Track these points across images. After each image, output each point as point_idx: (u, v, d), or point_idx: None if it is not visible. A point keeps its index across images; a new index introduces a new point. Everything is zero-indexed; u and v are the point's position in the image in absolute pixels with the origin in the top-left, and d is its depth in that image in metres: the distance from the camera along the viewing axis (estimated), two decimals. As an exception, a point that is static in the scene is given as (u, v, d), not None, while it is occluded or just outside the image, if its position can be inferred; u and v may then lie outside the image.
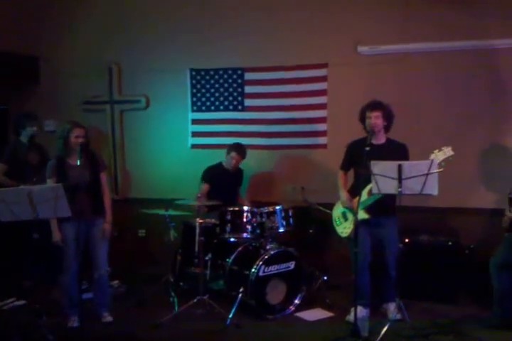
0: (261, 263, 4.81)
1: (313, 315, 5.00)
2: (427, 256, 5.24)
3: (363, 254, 4.65)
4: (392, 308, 4.68)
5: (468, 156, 5.47)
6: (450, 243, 5.28)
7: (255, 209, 5.09)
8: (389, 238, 4.73)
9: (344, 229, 4.84)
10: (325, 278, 5.58)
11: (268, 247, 5.01)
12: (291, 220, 5.25)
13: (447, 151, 4.20)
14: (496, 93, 5.49)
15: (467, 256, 5.36)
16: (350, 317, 4.59)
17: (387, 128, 4.75)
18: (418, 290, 5.12)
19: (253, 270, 4.79)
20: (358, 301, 4.53)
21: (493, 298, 4.58)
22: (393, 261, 4.70)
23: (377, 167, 4.20)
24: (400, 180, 4.17)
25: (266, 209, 5.12)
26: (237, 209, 5.06)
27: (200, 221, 4.88)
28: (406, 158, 4.61)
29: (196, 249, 4.91)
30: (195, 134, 6.51)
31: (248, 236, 5.04)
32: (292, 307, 5.03)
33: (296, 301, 5.05)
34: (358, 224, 4.51)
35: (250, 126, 6.29)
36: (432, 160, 4.08)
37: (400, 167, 4.14)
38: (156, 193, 6.43)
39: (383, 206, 4.53)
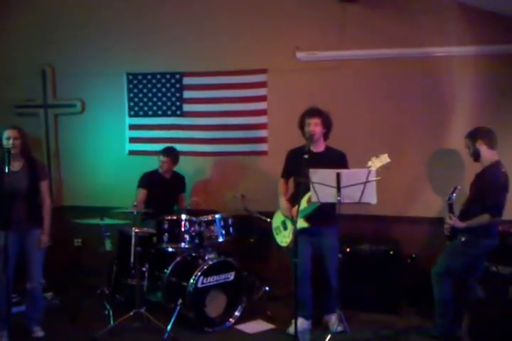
0: (199, 274, 4.74)
1: (254, 327, 4.96)
2: (368, 266, 5.23)
3: (303, 264, 4.62)
4: (333, 320, 4.68)
5: (408, 164, 5.55)
6: (391, 252, 5.28)
7: (193, 218, 5.01)
8: (329, 247, 4.69)
9: (284, 238, 4.81)
10: (266, 288, 5.53)
11: (207, 257, 4.93)
12: (231, 229, 5.18)
13: (383, 158, 4.20)
14: (434, 99, 5.59)
15: (409, 265, 5.43)
16: (292, 329, 4.54)
17: (326, 136, 4.75)
18: (360, 300, 5.09)
19: (191, 281, 4.71)
20: (299, 313, 4.50)
21: (435, 309, 4.59)
22: (334, 272, 4.66)
23: (316, 175, 4.20)
24: (338, 188, 4.18)
25: (205, 218, 5.05)
26: (174, 217, 4.96)
27: (136, 230, 4.76)
28: (345, 166, 4.60)
29: (132, 259, 4.77)
30: (132, 140, 6.39)
31: (186, 246, 4.95)
32: (232, 320, 4.97)
33: (236, 313, 4.99)
34: (298, 234, 4.45)
35: (189, 132, 6.22)
36: (370, 169, 4.08)
37: (338, 175, 4.14)
38: (92, 201, 6.31)
39: (323, 215, 4.51)
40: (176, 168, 5.79)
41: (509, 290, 4.67)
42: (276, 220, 4.90)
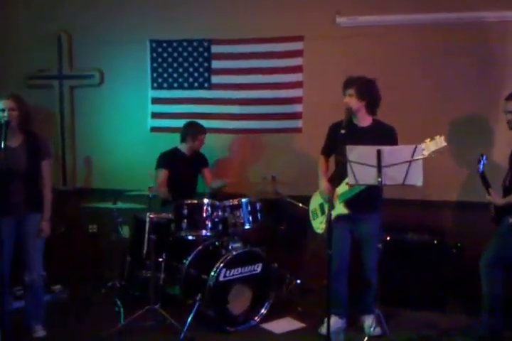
0: (222, 265, 4.38)
1: (282, 326, 4.60)
2: (410, 257, 4.92)
3: (339, 256, 4.28)
4: (370, 321, 4.30)
5: (457, 144, 5.02)
6: (435, 241, 4.94)
7: (217, 203, 4.64)
8: (369, 237, 4.31)
9: (321, 224, 4.43)
10: (298, 281, 5.16)
11: (231, 247, 4.57)
12: (259, 215, 4.80)
13: (439, 141, 3.75)
14: (489, 71, 5.13)
15: (454, 256, 5.00)
16: (324, 328, 4.19)
17: (371, 109, 4.30)
18: (400, 296, 4.80)
19: (212, 274, 4.35)
20: (332, 311, 4.20)
21: (482, 305, 4.19)
22: (374, 265, 4.30)
23: (353, 153, 3.78)
24: (379, 168, 3.72)
25: (229, 203, 4.69)
26: (195, 201, 4.59)
27: (152, 216, 4.41)
28: (395, 143, 4.16)
29: (145, 248, 4.44)
30: (155, 115, 6.05)
31: (208, 233, 4.59)
32: (258, 318, 4.61)
33: (263, 310, 4.63)
34: (336, 220, 4.14)
35: (217, 107, 5.84)
36: (416, 146, 3.63)
37: (379, 152, 3.69)
38: (111, 183, 6.02)
39: (366, 199, 4.10)
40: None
41: None
42: (314, 203, 4.52)
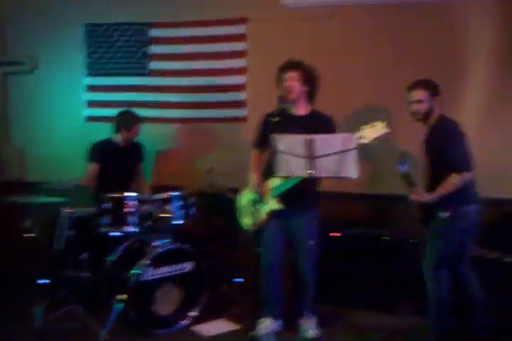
0: (146, 263, 4.11)
1: (214, 328, 4.33)
2: (359, 254, 4.69)
3: (272, 254, 4.05)
4: (307, 324, 4.08)
5: (407, 133, 4.73)
6: (386, 237, 4.71)
7: (144, 196, 4.35)
8: (305, 235, 4.01)
9: (249, 220, 4.13)
10: (238, 280, 4.89)
11: (157, 244, 4.25)
12: (192, 210, 4.53)
13: (379, 128, 3.51)
14: (444, 55, 4.85)
15: (409, 253, 4.73)
16: (257, 331, 4.00)
17: (310, 96, 4.04)
18: (347, 296, 4.61)
19: (134, 273, 4.04)
20: (266, 312, 4.06)
21: (428, 310, 3.93)
22: (310, 265, 4.04)
23: (282, 142, 3.50)
24: (310, 158, 3.44)
25: (158, 197, 4.38)
26: (118, 195, 4.28)
27: (70, 210, 4.11)
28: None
29: (61, 245, 4.16)
30: (91, 104, 5.76)
31: (133, 229, 4.28)
32: (188, 319, 4.33)
33: (194, 311, 4.35)
34: (268, 217, 3.96)
35: (157, 95, 5.56)
36: (350, 134, 3.35)
37: (310, 142, 3.40)
38: (45, 175, 5.61)
39: (303, 194, 3.84)
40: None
41: None
42: (244, 199, 4.22)
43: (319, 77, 4.03)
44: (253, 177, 4.11)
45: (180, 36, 5.41)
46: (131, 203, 4.26)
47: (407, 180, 3.73)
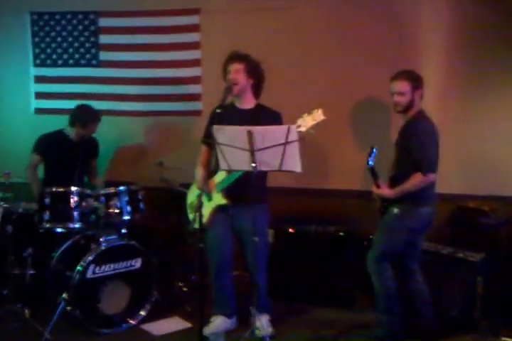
0: (89, 261, 3.99)
1: (165, 327, 4.25)
2: (315, 250, 4.66)
3: (220, 251, 3.99)
4: (260, 322, 3.99)
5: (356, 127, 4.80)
6: (342, 233, 4.66)
7: (88, 191, 4.22)
8: (254, 232, 3.78)
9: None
10: (193, 277, 4.74)
11: (103, 240, 4.14)
12: (141, 205, 4.44)
13: (316, 115, 3.45)
14: (396, 46, 4.79)
15: (367, 249, 4.56)
16: (208, 330, 3.96)
17: (255, 90, 3.97)
18: (304, 292, 4.61)
19: (78, 270, 3.93)
20: (218, 310, 4.03)
21: (376, 305, 3.94)
22: (260, 264, 3.97)
23: (222, 134, 3.39)
24: (252, 151, 3.34)
25: (103, 191, 4.25)
26: (60, 190, 4.17)
27: (8, 205, 4.02)
28: None
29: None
30: (39, 95, 5.59)
31: (76, 225, 4.18)
32: (137, 318, 4.24)
33: (143, 310, 4.27)
34: (215, 212, 3.92)
35: (107, 87, 5.41)
36: (289, 126, 3.26)
37: (250, 134, 3.30)
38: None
39: (250, 188, 3.62)
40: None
41: (477, 281, 4.06)
42: (192, 195, 4.13)
43: (264, 71, 3.96)
44: (198, 172, 4.02)
45: (131, 26, 5.26)
46: (73, 198, 4.11)
47: (372, 172, 3.74)
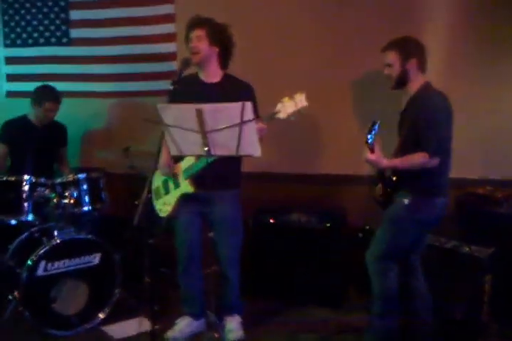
0: (39, 256, 3.63)
1: (127, 329, 3.87)
2: (301, 243, 4.22)
3: (187, 245, 3.64)
4: (230, 324, 3.68)
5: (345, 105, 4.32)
6: (328, 224, 4.20)
7: (42, 180, 3.86)
8: (225, 222, 3.59)
9: (164, 206, 3.67)
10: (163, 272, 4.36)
11: (56, 234, 3.78)
12: (102, 194, 4.08)
13: (298, 100, 2.95)
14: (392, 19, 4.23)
15: (361, 242, 4.16)
16: (172, 332, 3.66)
17: (222, 59, 3.51)
18: (286, 290, 4.21)
19: (27, 267, 3.58)
20: (185, 310, 3.71)
21: (372, 306, 3.46)
22: (233, 256, 3.64)
23: (169, 114, 2.97)
24: (203, 133, 2.91)
25: (60, 180, 3.89)
26: (10, 179, 3.83)
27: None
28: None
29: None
30: (11, 77, 5.28)
31: (29, 218, 3.83)
32: (97, 319, 3.89)
33: (104, 311, 3.92)
34: (182, 201, 3.52)
35: (79, 66, 5.06)
36: (243, 104, 2.81)
37: (199, 113, 2.87)
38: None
39: (220, 174, 3.32)
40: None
41: (485, 280, 3.57)
42: (158, 180, 3.74)
43: (232, 37, 3.49)
44: (162, 158, 3.59)
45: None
46: (24, 188, 3.74)
47: (371, 150, 3.17)
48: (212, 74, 3.50)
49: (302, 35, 4.44)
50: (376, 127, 3.14)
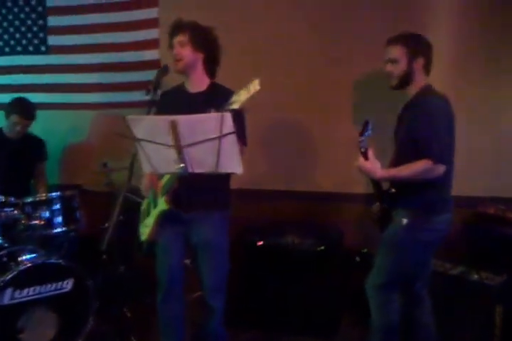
0: (6, 283, 3.34)
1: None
2: (293, 267, 3.88)
3: (167, 269, 3.27)
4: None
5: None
6: (322, 247, 3.86)
7: (11, 199, 3.60)
8: (209, 246, 3.23)
9: (144, 228, 3.32)
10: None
11: (25, 258, 3.46)
12: (77, 214, 3.82)
13: (252, 86, 2.57)
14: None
15: (359, 265, 3.96)
16: None
17: (208, 66, 3.21)
18: (277, 318, 3.86)
19: (-9, 295, 3.26)
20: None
21: (371, 337, 3.15)
22: (217, 284, 3.27)
23: (140, 126, 2.66)
24: (179, 148, 2.62)
25: (30, 199, 3.59)
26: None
27: None
28: (241, 119, 3.05)
29: None
30: (-11, 88, 4.96)
31: (-5, 240, 3.49)
32: (68, 350, 3.52)
33: (77, 341, 3.54)
34: (162, 220, 3.17)
35: (58, 76, 4.78)
36: (222, 115, 2.50)
37: (174, 125, 2.56)
38: None
39: (204, 191, 3.06)
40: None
41: (495, 311, 3.24)
42: (145, 201, 3.41)
43: (217, 41, 3.20)
44: (145, 177, 3.26)
45: (81, 4, 4.64)
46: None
47: (364, 156, 2.90)
48: (198, 83, 3.20)
49: (296, 42, 4.21)
50: (369, 128, 2.87)
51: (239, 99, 2.59)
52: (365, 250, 3.98)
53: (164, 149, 2.66)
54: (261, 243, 3.94)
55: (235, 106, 2.59)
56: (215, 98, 3.00)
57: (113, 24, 4.58)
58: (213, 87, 3.20)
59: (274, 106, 4.04)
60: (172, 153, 2.65)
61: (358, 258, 3.98)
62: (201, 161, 2.65)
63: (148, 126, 2.66)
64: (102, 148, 4.66)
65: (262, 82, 2.52)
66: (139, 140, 2.67)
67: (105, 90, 4.70)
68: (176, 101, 3.12)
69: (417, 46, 2.97)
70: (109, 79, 4.67)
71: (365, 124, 2.90)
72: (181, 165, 2.66)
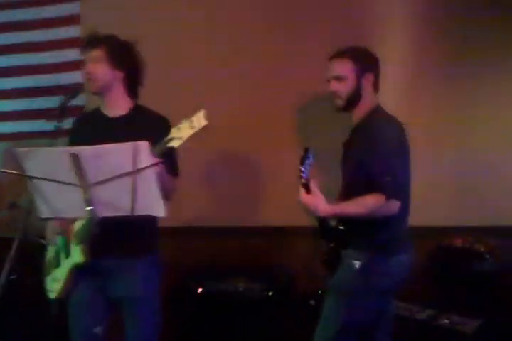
0: None
1: None
2: (236, 317, 3.54)
3: (81, 336, 2.74)
4: None
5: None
6: (270, 292, 3.55)
7: None
8: (134, 302, 2.74)
9: (53, 283, 2.75)
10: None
11: None
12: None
13: (197, 120, 2.19)
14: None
15: (313, 311, 3.40)
16: None
17: (129, 86, 2.76)
18: None
19: None
20: None
21: None
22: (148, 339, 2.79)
23: (34, 160, 2.21)
24: (84, 187, 2.17)
25: None
26: None
27: None
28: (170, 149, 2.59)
29: None
30: None
31: None
32: None
33: None
34: (76, 274, 2.64)
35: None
36: (136, 144, 2.06)
37: (76, 158, 2.13)
38: None
39: (125, 235, 2.57)
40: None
41: None
42: (51, 249, 2.85)
43: (139, 57, 2.76)
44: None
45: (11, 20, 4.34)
46: None
47: (306, 188, 2.51)
48: (118, 106, 2.74)
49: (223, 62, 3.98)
50: (310, 155, 2.51)
51: (180, 135, 2.21)
52: (321, 291, 3.53)
53: (67, 188, 2.19)
54: (200, 290, 3.57)
55: (175, 143, 2.21)
56: (138, 123, 2.64)
57: (38, 43, 4.30)
58: (137, 110, 2.76)
59: (217, 137, 3.65)
60: (77, 194, 2.19)
61: (312, 302, 3.60)
62: (113, 203, 2.24)
63: (45, 161, 2.23)
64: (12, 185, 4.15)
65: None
66: (32, 177, 2.18)
67: (30, 118, 4.33)
68: (92, 128, 2.69)
69: (366, 60, 2.65)
70: (35, 105, 4.32)
71: (305, 152, 2.56)
72: (89, 208, 2.18)
